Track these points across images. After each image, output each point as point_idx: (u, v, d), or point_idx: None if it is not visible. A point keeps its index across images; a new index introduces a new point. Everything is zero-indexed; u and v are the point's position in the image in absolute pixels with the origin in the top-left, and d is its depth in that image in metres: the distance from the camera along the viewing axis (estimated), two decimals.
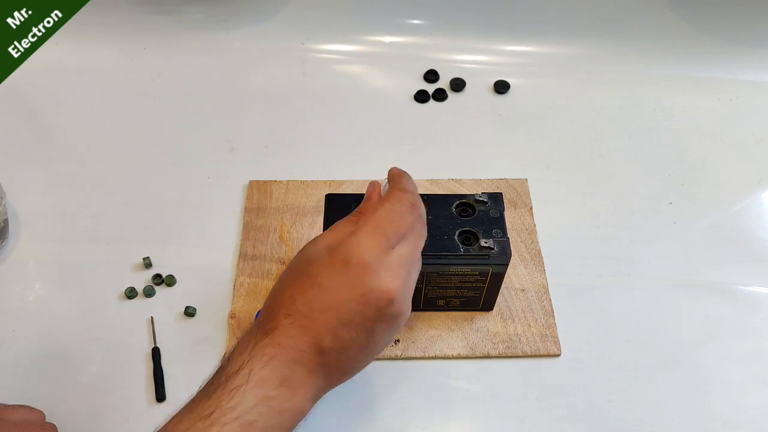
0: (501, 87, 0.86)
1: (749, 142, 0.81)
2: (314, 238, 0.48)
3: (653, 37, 0.88)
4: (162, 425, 0.42)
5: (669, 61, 0.88)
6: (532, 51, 0.89)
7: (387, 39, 0.90)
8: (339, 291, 0.44)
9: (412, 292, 0.47)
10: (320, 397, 0.46)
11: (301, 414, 0.44)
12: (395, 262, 0.45)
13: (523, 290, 0.66)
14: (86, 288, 0.67)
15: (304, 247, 0.48)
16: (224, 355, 0.46)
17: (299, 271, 0.46)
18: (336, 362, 0.45)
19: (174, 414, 0.43)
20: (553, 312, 0.65)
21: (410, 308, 0.47)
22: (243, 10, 0.88)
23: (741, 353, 0.63)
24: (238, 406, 0.41)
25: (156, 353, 0.62)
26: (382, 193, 0.51)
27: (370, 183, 0.52)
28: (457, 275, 0.59)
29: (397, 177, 0.51)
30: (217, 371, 0.45)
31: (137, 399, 0.59)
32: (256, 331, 0.45)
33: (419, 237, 0.48)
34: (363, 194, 0.59)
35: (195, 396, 0.44)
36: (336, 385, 0.47)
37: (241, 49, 0.89)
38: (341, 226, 0.48)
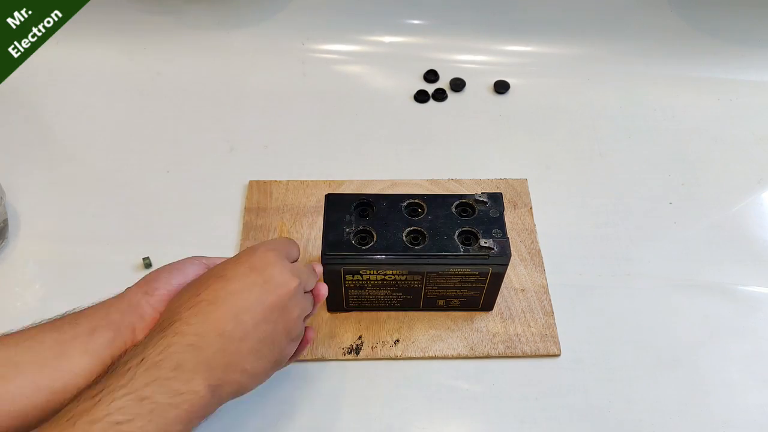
0: (501, 87, 0.86)
1: (749, 142, 0.81)
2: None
3: (653, 37, 0.88)
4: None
5: (669, 61, 0.88)
6: (532, 51, 0.89)
7: (387, 39, 0.90)
8: (244, 278, 0.47)
9: (302, 323, 0.50)
10: (223, 394, 0.45)
11: (201, 401, 0.42)
12: (293, 267, 0.50)
13: (523, 290, 0.66)
14: (86, 288, 0.67)
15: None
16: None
17: (203, 277, 0.49)
18: (236, 351, 0.45)
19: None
20: (552, 312, 0.65)
21: (302, 334, 0.51)
22: (243, 10, 0.88)
23: (741, 353, 0.63)
24: (129, 383, 0.40)
25: None
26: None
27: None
28: (457, 275, 0.59)
29: None
30: (110, 365, 0.44)
31: None
32: (153, 331, 0.45)
33: (309, 274, 0.52)
34: (363, 194, 0.60)
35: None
36: (236, 388, 0.46)
37: (241, 49, 0.89)
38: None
